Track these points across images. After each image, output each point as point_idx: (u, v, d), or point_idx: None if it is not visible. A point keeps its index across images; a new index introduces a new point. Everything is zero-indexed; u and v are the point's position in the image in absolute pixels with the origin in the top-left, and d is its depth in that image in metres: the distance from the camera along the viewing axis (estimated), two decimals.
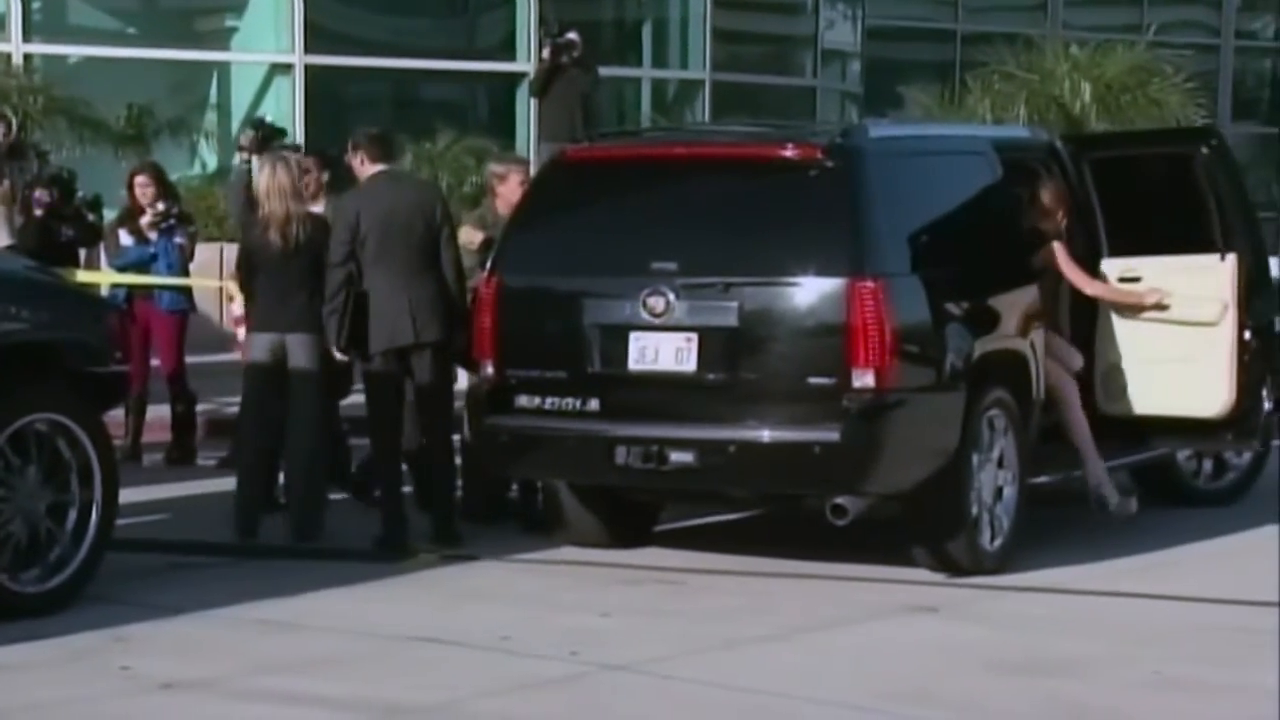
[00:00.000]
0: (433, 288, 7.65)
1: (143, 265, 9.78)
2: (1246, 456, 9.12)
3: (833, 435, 6.94)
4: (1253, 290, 8.06)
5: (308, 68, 16.23)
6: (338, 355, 7.77)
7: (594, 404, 7.28)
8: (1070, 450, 8.12)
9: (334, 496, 8.32)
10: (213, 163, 15.70)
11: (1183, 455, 8.92)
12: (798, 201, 7.20)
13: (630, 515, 7.93)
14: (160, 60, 16.27)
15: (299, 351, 7.72)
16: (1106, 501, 7.85)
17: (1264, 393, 8.44)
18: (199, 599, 6.77)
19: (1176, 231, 7.97)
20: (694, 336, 7.17)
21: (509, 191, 8.34)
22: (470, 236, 8.36)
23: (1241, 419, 8.10)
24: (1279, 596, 6.76)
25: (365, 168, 7.95)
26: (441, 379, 7.77)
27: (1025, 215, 8.03)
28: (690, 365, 7.18)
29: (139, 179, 9.95)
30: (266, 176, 7.83)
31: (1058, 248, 7.91)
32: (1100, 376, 7.93)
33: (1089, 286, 7.95)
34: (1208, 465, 9.12)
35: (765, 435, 7.06)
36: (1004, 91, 16.78)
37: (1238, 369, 7.93)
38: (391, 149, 7.96)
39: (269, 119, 10.84)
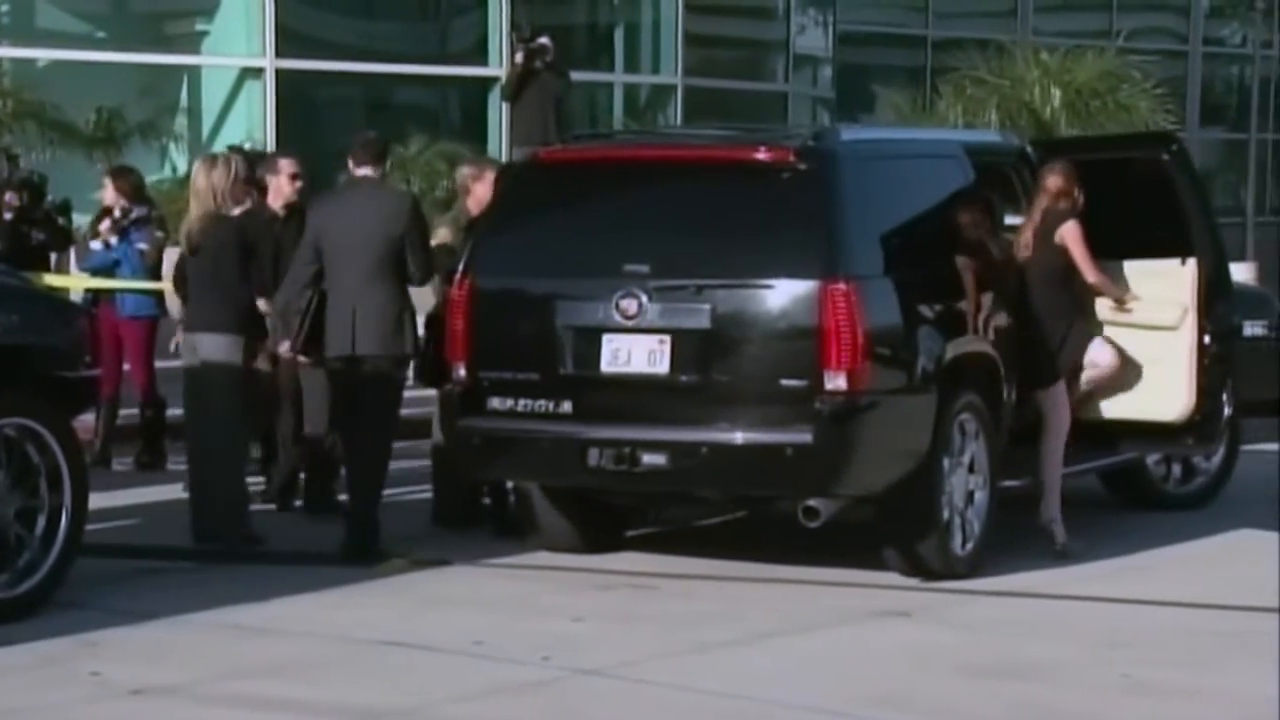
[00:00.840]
0: (382, 299, 7.56)
1: (107, 270, 9.75)
2: (1215, 460, 9.15)
3: (805, 437, 6.94)
4: (1213, 295, 8.08)
5: (279, 72, 16.18)
6: (286, 355, 7.72)
7: (566, 406, 7.27)
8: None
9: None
10: (183, 166, 15.63)
11: (1152, 459, 8.94)
12: (770, 204, 7.20)
13: (603, 519, 7.92)
14: (130, 64, 16.21)
15: (207, 350, 7.64)
16: (1054, 538, 7.82)
17: (1224, 397, 8.48)
18: (169, 604, 6.73)
19: (1139, 236, 7.99)
20: (666, 339, 7.17)
21: (482, 193, 8.31)
22: (450, 239, 8.33)
23: (1202, 423, 8.12)
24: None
25: (352, 171, 7.95)
26: (379, 392, 7.64)
27: (1034, 198, 8.01)
28: (663, 367, 7.18)
29: (104, 182, 9.95)
30: (192, 177, 7.87)
31: (1074, 225, 7.87)
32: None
33: (1093, 274, 7.92)
34: (1177, 469, 9.14)
35: (738, 437, 7.06)
36: (975, 96, 16.84)
37: (1198, 373, 7.95)
38: (373, 155, 7.86)
39: (247, 145, 10.80)
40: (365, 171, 7.86)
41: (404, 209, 7.79)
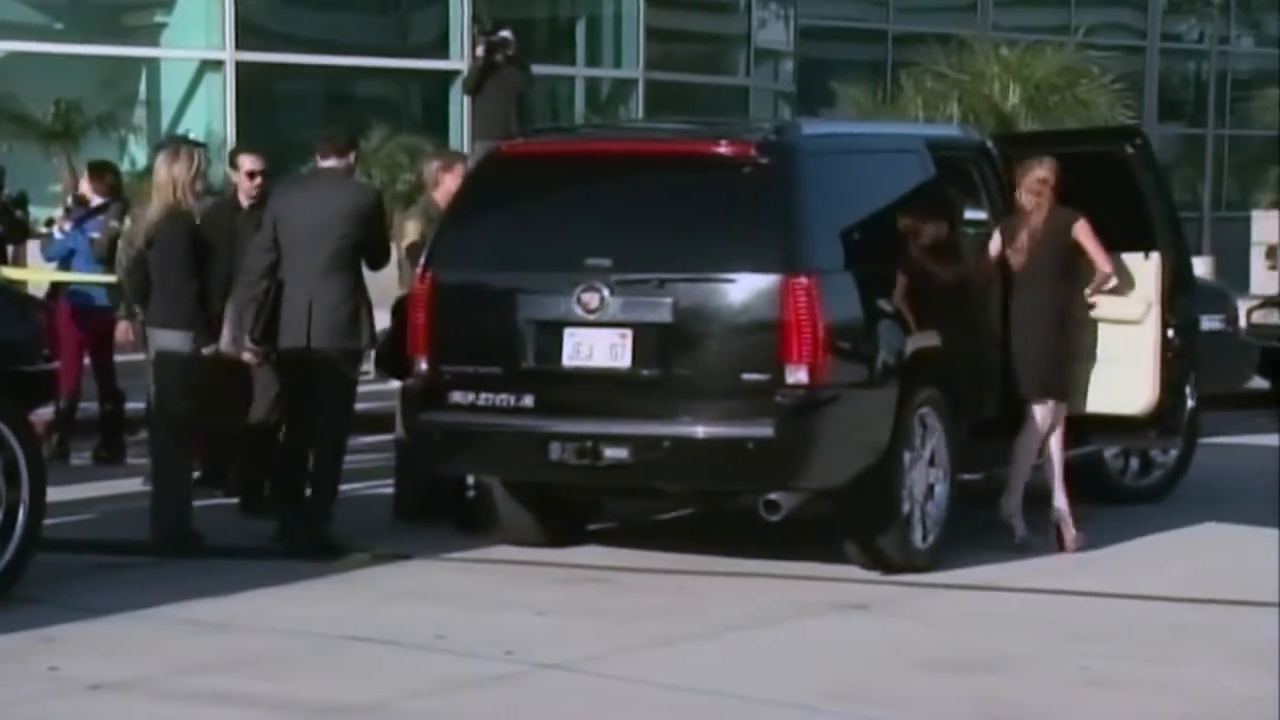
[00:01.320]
0: (339, 292, 7.51)
1: (65, 259, 9.70)
2: (1173, 454, 9.19)
3: (766, 431, 6.93)
4: (1176, 288, 8.10)
5: (239, 64, 16.09)
6: (248, 346, 7.64)
7: (528, 400, 7.25)
8: (1000, 447, 8.15)
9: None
10: (142, 159, 15.53)
11: (1110, 453, 8.98)
12: (732, 198, 7.19)
13: (565, 513, 7.90)
14: (89, 56, 16.09)
15: (159, 344, 7.60)
16: (1014, 531, 7.83)
17: (1187, 390, 8.52)
18: (127, 599, 6.67)
19: (1102, 230, 7.99)
20: (628, 333, 7.15)
21: (451, 185, 8.25)
22: (418, 235, 8.30)
23: (1165, 416, 8.15)
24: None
25: (317, 163, 7.90)
26: (333, 386, 7.58)
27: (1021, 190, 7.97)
28: (625, 361, 7.16)
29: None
30: (154, 170, 7.81)
31: (1085, 221, 7.84)
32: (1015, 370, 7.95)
33: (1108, 266, 7.89)
34: (1135, 463, 9.18)
35: (699, 431, 7.05)
36: (936, 91, 16.90)
37: (1161, 367, 7.97)
38: (338, 148, 7.79)
39: (191, 134, 10.72)
40: (330, 163, 7.82)
41: (365, 202, 7.75)
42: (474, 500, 8.07)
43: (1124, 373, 7.97)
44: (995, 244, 8.02)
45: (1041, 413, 7.88)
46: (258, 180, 8.48)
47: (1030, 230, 7.84)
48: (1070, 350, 7.89)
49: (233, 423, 8.20)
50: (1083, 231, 7.86)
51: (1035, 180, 7.90)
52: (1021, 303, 7.87)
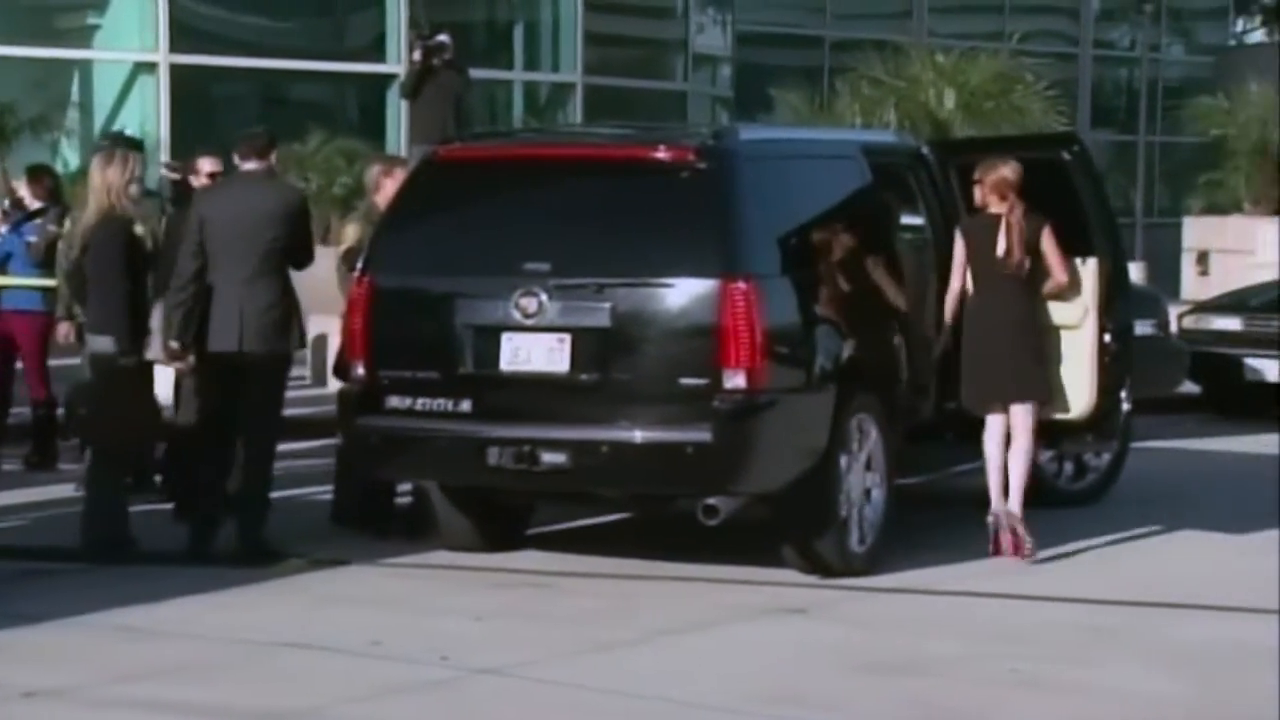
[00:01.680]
0: (270, 296, 7.46)
1: (1, 262, 9.65)
2: (1106, 457, 9.26)
3: (704, 435, 6.94)
4: (1113, 294, 8.16)
5: (173, 67, 15.95)
6: (176, 351, 7.54)
7: (466, 405, 7.22)
8: (935, 451, 8.19)
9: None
10: (74, 161, 15.37)
11: (1044, 457, 9.01)
12: (670, 203, 7.20)
13: (502, 518, 7.88)
14: (21, 58, 15.91)
15: (93, 349, 7.56)
16: (1021, 543, 7.72)
17: (1123, 394, 8.58)
18: (60, 606, 6.63)
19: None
20: (566, 337, 7.14)
21: (393, 189, 8.15)
22: (358, 240, 8.25)
23: (1102, 420, 8.20)
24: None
25: (238, 165, 7.83)
26: (265, 390, 7.54)
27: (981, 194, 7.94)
28: (563, 366, 7.15)
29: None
30: (89, 174, 7.74)
31: (1049, 230, 7.84)
32: (965, 377, 7.99)
33: (1065, 276, 7.88)
34: (1069, 467, 9.24)
35: (637, 436, 7.05)
36: (872, 97, 16.96)
37: (1098, 371, 8.02)
38: (257, 149, 7.71)
39: (127, 131, 10.63)
40: (250, 166, 7.73)
41: (292, 204, 7.68)
42: (410, 506, 8.02)
43: (1063, 377, 7.98)
44: (959, 247, 7.95)
45: (1022, 415, 7.85)
46: (219, 182, 8.41)
47: (1013, 232, 7.80)
48: (1046, 353, 7.90)
49: (151, 430, 8.08)
50: (1049, 238, 7.87)
51: (1001, 181, 7.88)
52: (999, 305, 7.82)
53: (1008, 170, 7.88)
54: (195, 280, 7.50)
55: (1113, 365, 8.10)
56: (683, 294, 7.07)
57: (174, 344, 7.52)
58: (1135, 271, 13.84)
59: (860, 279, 7.64)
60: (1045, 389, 7.86)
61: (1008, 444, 7.87)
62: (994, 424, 7.89)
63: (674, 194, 7.19)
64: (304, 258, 7.69)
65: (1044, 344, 7.90)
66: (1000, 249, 7.78)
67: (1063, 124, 16.94)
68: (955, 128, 16.40)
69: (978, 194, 7.95)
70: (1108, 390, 8.10)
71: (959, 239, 7.95)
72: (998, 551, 7.78)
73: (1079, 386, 8.00)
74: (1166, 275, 18.91)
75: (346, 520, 8.17)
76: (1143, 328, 10.57)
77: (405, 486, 8.17)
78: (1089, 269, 8.07)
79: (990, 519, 7.82)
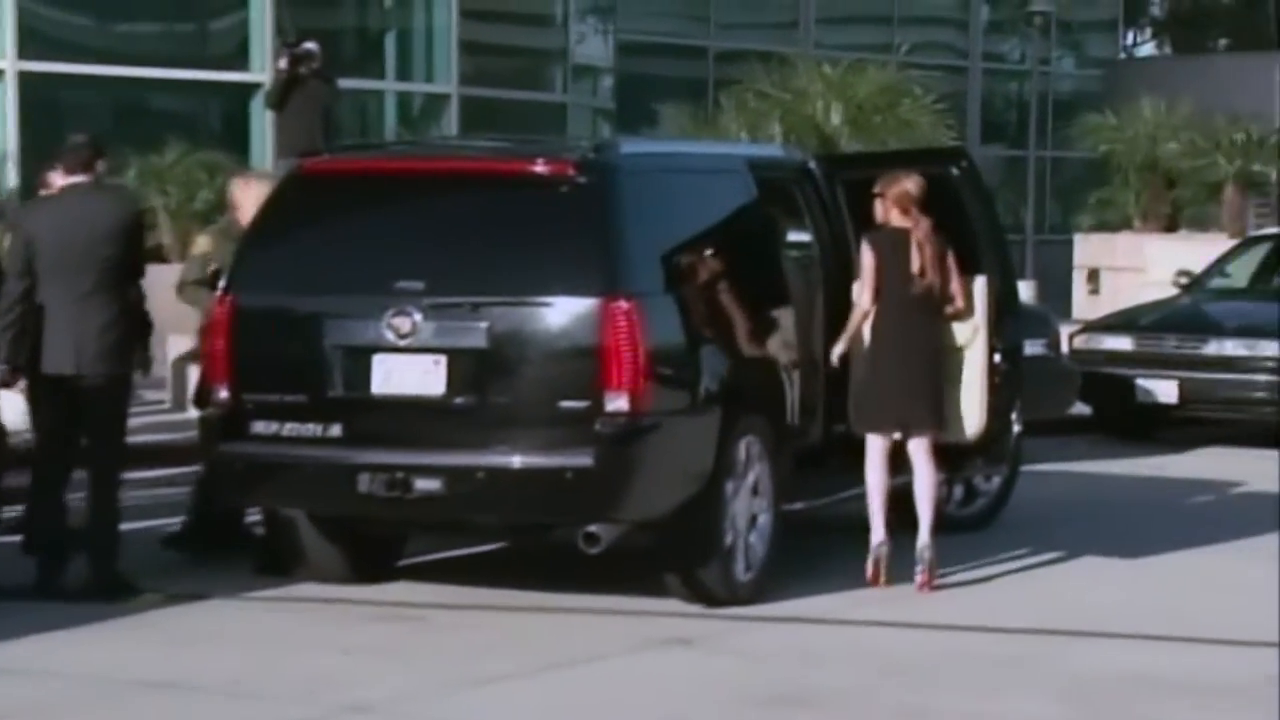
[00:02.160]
0: (108, 315, 7.30)
1: None
2: (995, 481, 9.38)
3: (585, 460, 6.94)
4: (1002, 313, 8.27)
5: (21, 74, 15.68)
6: (3, 375, 7.34)
7: (336, 430, 7.17)
8: (824, 475, 8.24)
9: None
10: None
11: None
12: (549, 219, 7.20)
13: (373, 548, 7.83)
14: None
15: None
16: (925, 570, 7.76)
17: (1013, 416, 8.69)
18: None
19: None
20: (441, 358, 7.12)
21: (253, 204, 8.15)
22: (209, 248, 8.13)
23: (992, 443, 8.32)
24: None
25: (64, 179, 7.61)
26: (107, 416, 7.40)
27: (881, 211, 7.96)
28: (438, 388, 7.12)
29: None
30: None
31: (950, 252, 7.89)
32: (853, 398, 8.07)
33: (962, 299, 7.92)
34: (958, 491, 9.33)
35: (515, 461, 7.04)
36: (758, 110, 17.09)
37: (988, 392, 8.12)
38: (82, 161, 7.49)
39: None
40: (76, 179, 7.51)
41: (124, 216, 7.51)
42: (272, 535, 7.93)
43: (952, 399, 8.06)
44: (869, 258, 7.90)
45: (921, 444, 7.89)
46: (44, 197, 8.24)
47: (926, 250, 7.84)
48: (945, 377, 7.97)
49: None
50: (952, 259, 7.92)
51: (904, 194, 7.91)
52: (906, 325, 7.85)
53: (910, 184, 7.93)
54: (23, 301, 7.31)
55: (1003, 386, 8.20)
56: (562, 313, 7.08)
57: (3, 367, 7.34)
58: (1025, 290, 14.06)
59: (746, 297, 7.68)
60: (941, 417, 7.93)
61: (894, 469, 7.93)
62: (876, 447, 7.92)
63: (553, 209, 7.19)
64: (137, 267, 7.49)
65: (945, 368, 7.98)
66: (915, 267, 7.84)
67: (951, 138, 17.16)
68: (842, 142, 16.57)
69: (878, 208, 8.00)
70: (998, 412, 8.21)
71: (866, 251, 7.96)
72: (875, 580, 7.79)
73: (970, 408, 8.09)
74: (1057, 294, 19.22)
75: (199, 550, 8.03)
76: (1033, 348, 10.71)
77: (256, 514, 8.07)
78: (978, 287, 8.16)
79: (873, 552, 7.81)
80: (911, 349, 7.83)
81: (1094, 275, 19.88)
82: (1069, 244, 21.22)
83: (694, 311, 7.37)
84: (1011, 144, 28.39)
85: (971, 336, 8.09)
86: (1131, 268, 18.89)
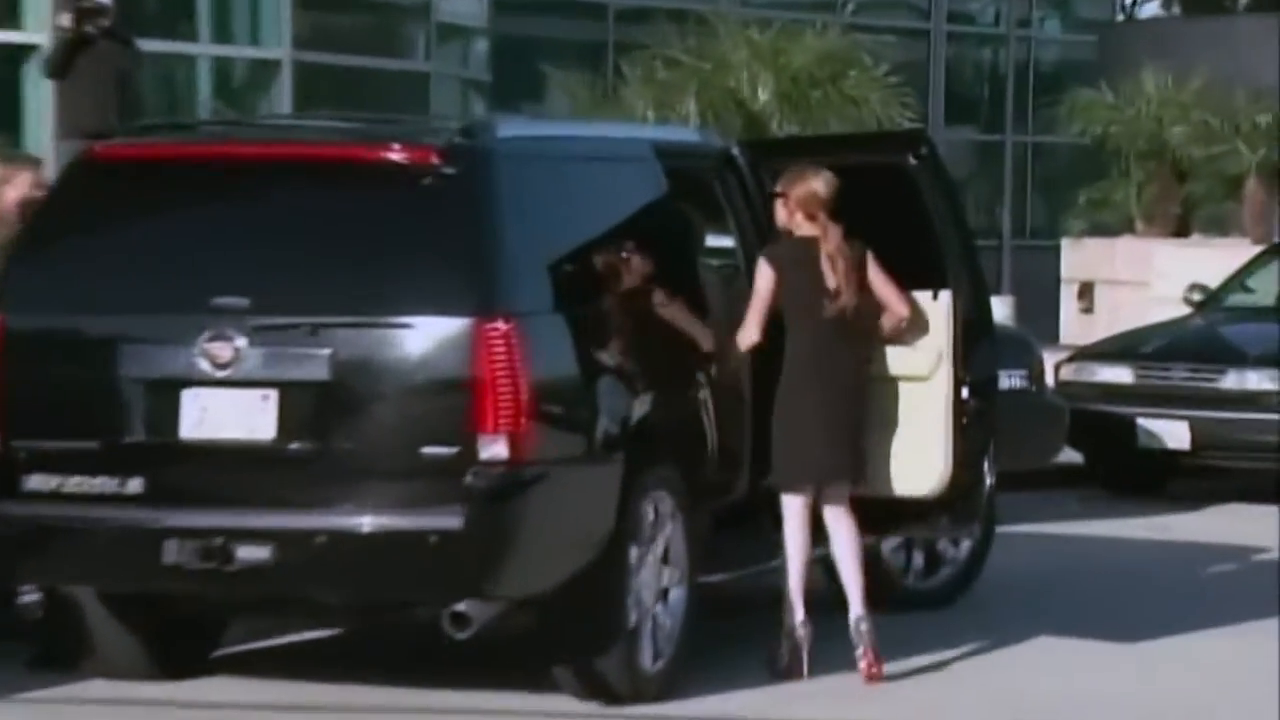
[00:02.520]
0: None
1: None
2: (964, 547, 9.48)
3: (453, 522, 6.97)
4: (972, 336, 8.37)
5: None
6: None
7: (135, 485, 7.16)
8: (751, 539, 8.32)
9: None
10: None
11: (888, 546, 9.21)
12: (408, 219, 7.23)
13: (184, 635, 7.81)
14: None
15: None
16: (798, 653, 7.84)
17: (985, 466, 8.79)
18: None
19: (879, 261, 8.16)
20: (272, 394, 7.13)
21: (17, 198, 8.10)
22: None
23: (959, 499, 8.40)
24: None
25: None
26: None
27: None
28: (266, 432, 7.13)
29: None
30: None
31: (871, 254, 8.01)
32: (776, 446, 8.08)
33: (906, 309, 8.03)
34: (918, 558, 9.44)
35: (365, 523, 7.05)
36: (669, 82, 17.20)
37: (955, 436, 8.21)
38: None
39: None
40: None
41: None
42: (53, 620, 7.84)
43: (910, 443, 8.19)
44: (766, 279, 8.04)
45: (836, 499, 7.98)
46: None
47: (839, 264, 7.95)
48: (871, 417, 8.07)
49: None
50: (874, 266, 8.05)
51: (810, 196, 8.03)
52: (820, 356, 7.95)
53: (818, 183, 8.02)
54: None
55: (972, 428, 8.29)
56: (425, 337, 7.10)
57: None
58: (1001, 308, 14.25)
59: (655, 317, 7.75)
60: (863, 466, 8.03)
61: (817, 535, 8.01)
62: (793, 508, 7.99)
63: (414, 207, 7.23)
64: None
65: (873, 404, 8.08)
66: (830, 284, 7.94)
67: (909, 119, 17.34)
68: (773, 123, 16.69)
69: (780, 212, 8.11)
70: (966, 461, 8.29)
71: (763, 269, 8.07)
72: (790, 674, 7.83)
73: (930, 456, 8.18)
74: (1041, 312, 19.44)
75: None
76: (1011, 380, 10.89)
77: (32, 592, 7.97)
78: (941, 305, 8.27)
79: (788, 637, 7.88)
80: (829, 385, 7.95)
81: (1086, 290, 20.12)
82: (1055, 251, 21.46)
83: (590, 335, 7.43)
84: (984, 127, 28.71)
85: (933, 366, 8.20)
86: (1133, 281, 19.14)
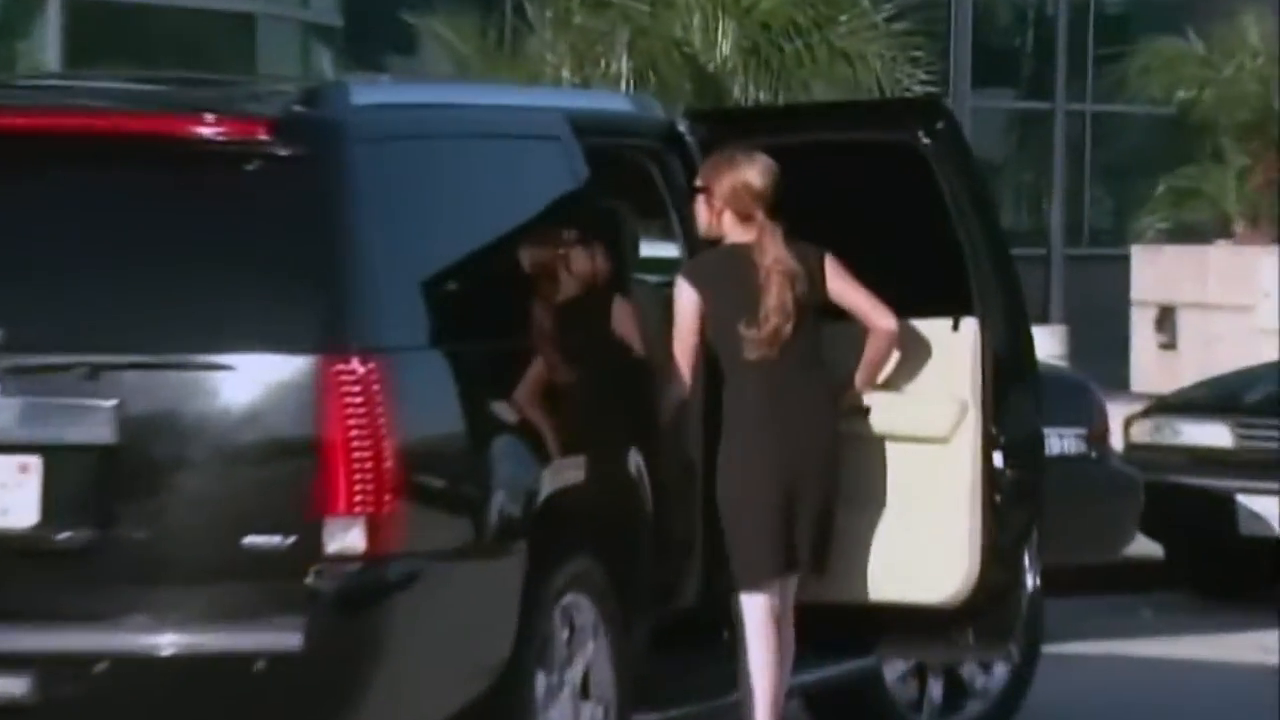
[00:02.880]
0: None
1: None
2: (999, 674, 9.55)
3: (289, 641, 6.97)
4: (1007, 380, 8.44)
5: None
6: None
7: None
8: (705, 662, 8.37)
9: None
10: None
11: (892, 672, 9.25)
12: (225, 219, 7.23)
13: None
14: None
15: None
16: None
17: (1027, 561, 8.86)
18: None
19: (877, 277, 8.24)
20: (32, 463, 7.12)
21: None
22: None
23: (991, 606, 8.46)
24: None
25: None
26: None
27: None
28: (24, 516, 7.11)
29: None
30: None
31: (833, 260, 8.16)
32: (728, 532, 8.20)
33: (889, 319, 8.16)
34: (935, 690, 9.50)
35: (164, 644, 7.04)
36: (592, 30, 17.21)
37: (984, 519, 8.29)
38: None
39: None
40: None
41: None
42: None
43: (919, 531, 8.25)
44: (688, 303, 8.18)
45: (784, 594, 8.12)
46: None
47: (774, 282, 8.08)
48: (840, 486, 8.18)
49: None
50: (834, 273, 8.14)
51: (742, 189, 8.15)
52: (784, 406, 8.09)
53: (751, 172, 8.17)
54: None
55: (1009, 509, 8.38)
56: (250, 383, 7.10)
57: None
58: (1049, 341, 14.31)
59: (572, 352, 7.77)
60: (824, 552, 8.12)
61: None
62: (752, 614, 8.11)
63: (232, 204, 7.23)
64: None
65: (866, 476, 8.19)
66: (768, 308, 8.05)
67: (921, 83, 17.39)
68: (735, 88, 16.73)
69: (701, 213, 8.25)
70: (1000, 554, 8.37)
71: (682, 293, 8.19)
72: None
73: (950, 548, 8.25)
74: (1104, 348, 19.50)
75: None
76: (1062, 441, 10.93)
77: None
78: (964, 338, 8.37)
79: None
80: (782, 443, 8.07)
81: (1166, 316, 20.23)
82: (1124, 263, 21.57)
83: (482, 379, 7.45)
84: (1026, 91, 28.86)
85: (953, 423, 8.28)
86: (1230, 304, 19.26)
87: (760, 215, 8.14)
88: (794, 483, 8.08)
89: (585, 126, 8.35)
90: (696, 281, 8.20)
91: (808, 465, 8.10)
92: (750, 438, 8.12)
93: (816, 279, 8.17)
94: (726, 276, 8.17)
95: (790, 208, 8.29)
